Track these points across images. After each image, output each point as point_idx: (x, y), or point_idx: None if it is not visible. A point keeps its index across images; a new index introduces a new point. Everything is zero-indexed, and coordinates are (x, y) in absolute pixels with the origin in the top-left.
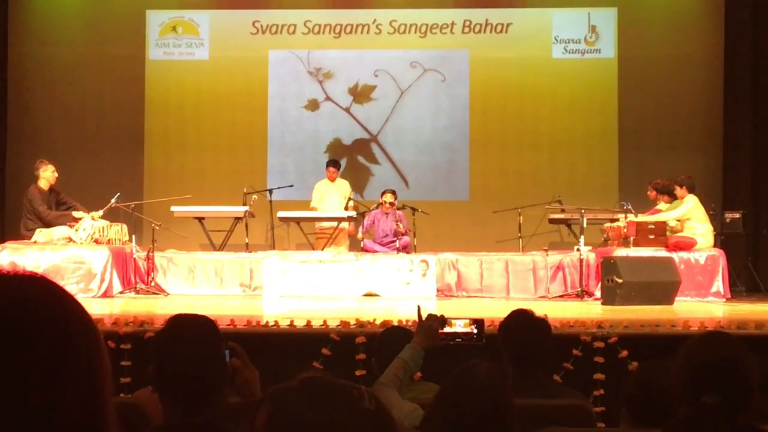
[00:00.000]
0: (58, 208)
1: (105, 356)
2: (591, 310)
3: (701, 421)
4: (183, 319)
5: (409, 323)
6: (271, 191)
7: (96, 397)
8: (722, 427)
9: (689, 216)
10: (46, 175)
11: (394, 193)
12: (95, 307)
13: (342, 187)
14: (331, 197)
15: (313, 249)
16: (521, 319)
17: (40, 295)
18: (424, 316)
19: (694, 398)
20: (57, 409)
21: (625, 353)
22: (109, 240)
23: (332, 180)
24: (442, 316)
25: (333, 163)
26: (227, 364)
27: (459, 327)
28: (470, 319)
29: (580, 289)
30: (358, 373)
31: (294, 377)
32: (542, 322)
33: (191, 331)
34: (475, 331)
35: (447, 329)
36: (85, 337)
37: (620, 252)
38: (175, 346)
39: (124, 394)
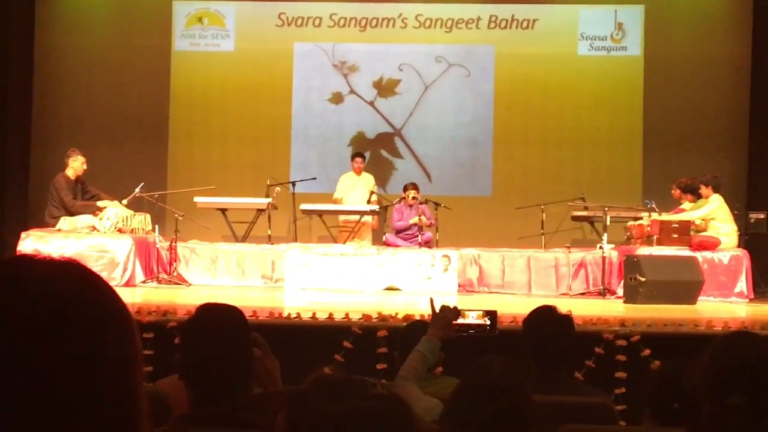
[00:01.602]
0: (83, 197)
1: (138, 343)
2: (613, 308)
3: (726, 421)
4: (211, 308)
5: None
6: (294, 184)
7: (129, 384)
8: (748, 427)
9: (713, 215)
10: (75, 165)
11: (416, 187)
12: None
13: (367, 181)
14: (356, 190)
15: (336, 242)
16: (545, 315)
17: (75, 281)
18: (437, 308)
19: (720, 398)
20: (90, 395)
21: (647, 352)
22: (132, 229)
23: (358, 173)
24: (455, 307)
25: (359, 155)
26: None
27: (472, 318)
28: (483, 310)
29: (602, 287)
30: (379, 366)
31: (314, 370)
32: (566, 319)
33: (218, 320)
34: (488, 322)
35: (461, 320)
36: (119, 323)
37: (643, 250)
38: (203, 335)
39: (146, 383)
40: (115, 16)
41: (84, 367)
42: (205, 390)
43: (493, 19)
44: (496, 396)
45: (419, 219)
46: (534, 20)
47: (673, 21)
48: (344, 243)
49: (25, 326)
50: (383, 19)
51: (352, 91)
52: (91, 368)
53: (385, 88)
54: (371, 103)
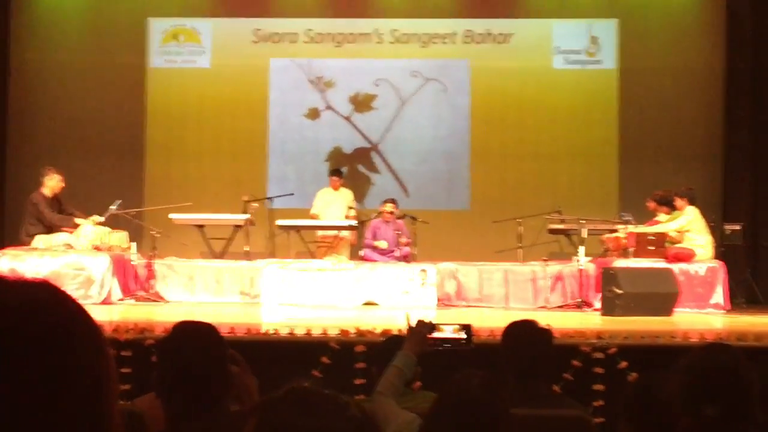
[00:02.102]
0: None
1: (111, 362)
2: (590, 321)
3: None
4: (187, 326)
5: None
6: (271, 199)
7: (102, 404)
8: None
9: (689, 227)
10: (52, 183)
11: (394, 202)
12: (95, 314)
13: (345, 197)
14: (334, 206)
15: (314, 257)
16: (524, 328)
17: (46, 301)
18: (413, 323)
19: (695, 409)
20: (63, 416)
21: (624, 364)
22: (109, 247)
23: (336, 189)
24: (430, 321)
25: (336, 172)
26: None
27: (448, 332)
28: (459, 324)
29: (579, 300)
30: (357, 381)
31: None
32: (545, 332)
33: (195, 338)
34: (464, 336)
35: (436, 334)
36: (91, 343)
37: (620, 263)
38: (180, 352)
39: (124, 402)
40: (91, 33)
41: (55, 387)
42: (181, 408)
43: (468, 33)
44: (474, 410)
45: (387, 243)
46: (509, 34)
47: (646, 34)
48: (322, 258)
49: None
50: (359, 35)
51: (328, 107)
52: (62, 388)
53: (362, 103)
54: (348, 119)
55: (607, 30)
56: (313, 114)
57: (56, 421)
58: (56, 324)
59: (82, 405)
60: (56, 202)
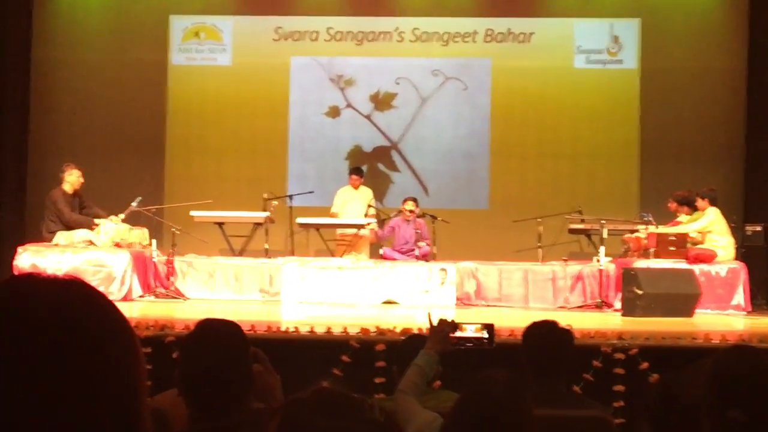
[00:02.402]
0: (81, 212)
1: (142, 360)
2: (611, 321)
3: None
4: (210, 324)
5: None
6: (291, 197)
7: (133, 401)
8: None
9: (710, 228)
10: (71, 179)
11: (415, 200)
12: None
13: (364, 195)
14: (353, 204)
15: (333, 255)
16: (545, 328)
17: (79, 299)
18: (435, 322)
19: (720, 412)
20: (95, 413)
21: (645, 365)
22: (129, 244)
23: (355, 187)
24: (453, 321)
25: (356, 170)
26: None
27: (470, 332)
28: (481, 324)
29: (599, 300)
30: (377, 380)
31: (312, 384)
32: (566, 333)
33: (218, 336)
34: (486, 336)
35: (458, 334)
36: (123, 341)
37: (640, 263)
38: (203, 350)
39: None
40: (112, 31)
41: (89, 385)
42: (204, 405)
43: (490, 32)
44: (497, 410)
45: (417, 234)
46: (530, 33)
47: (668, 34)
48: (341, 256)
49: (30, 346)
50: (380, 33)
51: (348, 105)
52: (96, 386)
53: (382, 101)
54: (368, 117)
55: (628, 29)
56: (334, 112)
57: (90, 418)
58: (89, 322)
59: (115, 402)
60: (76, 198)
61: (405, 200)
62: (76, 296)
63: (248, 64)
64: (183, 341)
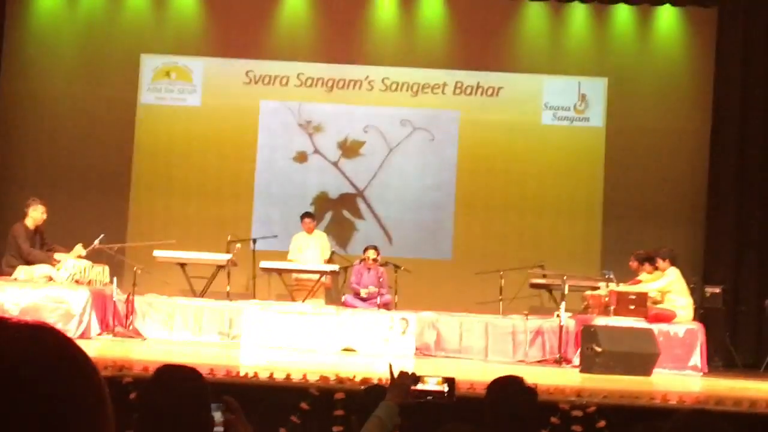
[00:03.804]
0: (41, 248)
1: (109, 409)
2: (569, 378)
3: None
4: (170, 370)
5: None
6: (255, 241)
7: None
8: None
9: (670, 288)
10: (35, 214)
11: (377, 249)
12: None
13: (319, 240)
14: (309, 250)
15: (293, 300)
16: (511, 385)
17: (50, 345)
18: (396, 373)
19: None
20: None
21: (603, 423)
22: (89, 281)
23: (309, 231)
24: (413, 373)
25: (308, 214)
26: (225, 419)
27: (431, 385)
28: (442, 377)
29: (558, 356)
30: (335, 429)
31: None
32: (531, 391)
33: (178, 382)
34: (447, 389)
35: (420, 386)
36: (92, 387)
37: (600, 321)
38: (161, 396)
39: None
40: (83, 66)
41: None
42: None
43: (459, 85)
44: None
45: (369, 290)
46: (499, 88)
47: (635, 94)
48: (303, 301)
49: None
50: (350, 81)
51: (316, 151)
52: None
53: (350, 148)
54: (335, 164)
55: (595, 88)
56: (301, 157)
57: None
58: (58, 367)
59: None
60: (38, 234)
61: (366, 248)
62: (45, 342)
63: (218, 105)
64: (141, 387)
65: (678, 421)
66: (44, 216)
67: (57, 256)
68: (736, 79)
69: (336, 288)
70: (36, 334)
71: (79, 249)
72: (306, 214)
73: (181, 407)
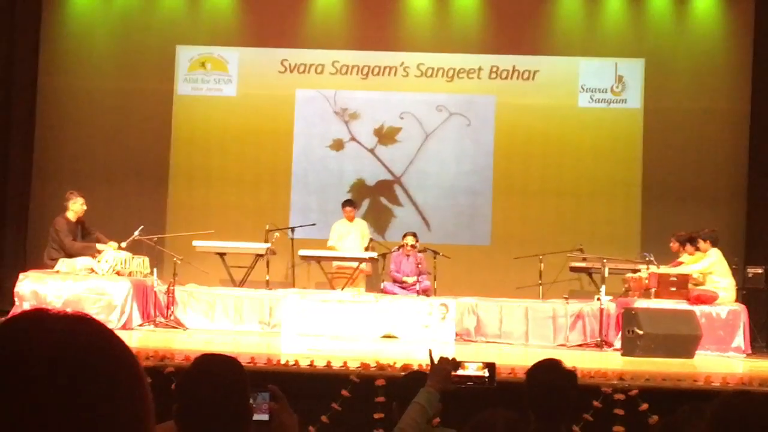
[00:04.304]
0: (84, 238)
1: (149, 398)
2: (611, 361)
3: None
4: (210, 359)
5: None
6: (293, 229)
7: None
8: None
9: (712, 270)
10: (75, 207)
11: (415, 235)
12: None
13: (360, 227)
14: (349, 237)
15: (333, 288)
16: (550, 369)
17: (89, 336)
18: (436, 359)
19: None
20: None
21: (645, 406)
22: (130, 272)
23: (350, 220)
24: (454, 359)
25: (349, 202)
26: (270, 407)
27: (471, 370)
28: (483, 362)
29: (599, 339)
30: (376, 416)
31: (311, 418)
32: (571, 374)
33: (217, 371)
34: (487, 374)
35: (460, 372)
36: (131, 377)
37: (641, 303)
38: (200, 386)
39: None
40: (119, 59)
41: (98, 423)
42: None
43: (495, 69)
44: None
45: (412, 276)
46: (535, 71)
47: (672, 75)
48: (342, 289)
49: (40, 383)
50: (385, 68)
51: (352, 138)
52: (108, 423)
53: (386, 135)
54: (372, 151)
55: (633, 69)
56: (338, 145)
57: None
58: (98, 359)
59: None
60: (79, 225)
61: (405, 235)
62: (84, 333)
63: (253, 95)
64: (181, 376)
65: (722, 402)
66: (84, 207)
67: (99, 246)
68: None
69: (376, 275)
70: (75, 324)
71: (114, 244)
72: (347, 202)
73: (220, 396)
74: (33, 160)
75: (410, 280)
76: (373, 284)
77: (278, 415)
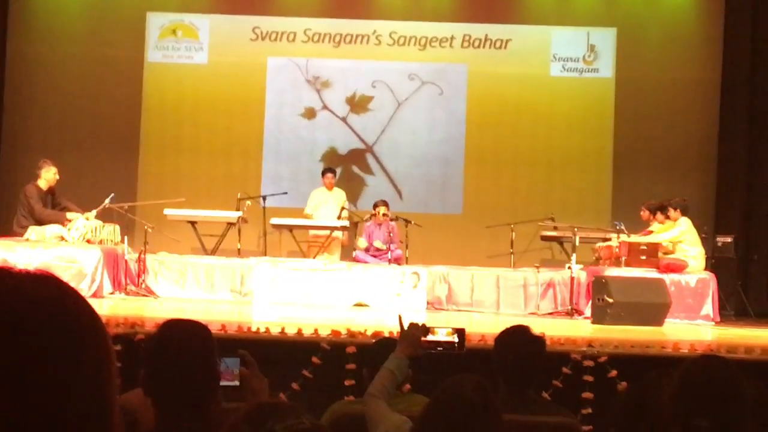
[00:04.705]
0: (54, 208)
1: (113, 357)
2: (581, 329)
3: None
4: (176, 324)
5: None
6: (264, 198)
7: (104, 397)
8: None
9: (681, 238)
10: (48, 176)
11: (386, 204)
12: None
13: (338, 196)
14: (327, 205)
15: (305, 257)
16: (518, 334)
17: (53, 294)
18: (406, 325)
19: (687, 421)
20: (66, 409)
21: (614, 373)
22: (101, 240)
23: (330, 188)
24: (423, 324)
25: (330, 170)
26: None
27: (441, 336)
28: (452, 328)
29: (569, 307)
30: (347, 382)
31: (282, 384)
32: (539, 340)
33: (183, 336)
34: (457, 340)
35: (429, 337)
36: (95, 337)
37: (611, 272)
38: (167, 351)
39: None
40: (89, 26)
41: (61, 380)
42: (169, 406)
43: (467, 38)
44: (466, 414)
45: (384, 244)
46: (507, 40)
47: (644, 44)
48: (314, 257)
49: (1, 340)
50: (357, 36)
51: (324, 107)
52: (68, 382)
53: (358, 104)
54: (344, 119)
55: (605, 39)
56: (310, 114)
57: (61, 413)
58: (62, 317)
59: (86, 398)
60: (50, 194)
61: (376, 204)
62: (48, 291)
63: (225, 63)
64: (147, 341)
65: (689, 364)
66: (57, 177)
67: (70, 215)
68: (746, 28)
69: (352, 244)
70: (39, 283)
71: (88, 215)
72: (328, 170)
73: (187, 361)
74: (1, 128)
75: (378, 244)
76: (348, 253)
77: (248, 380)
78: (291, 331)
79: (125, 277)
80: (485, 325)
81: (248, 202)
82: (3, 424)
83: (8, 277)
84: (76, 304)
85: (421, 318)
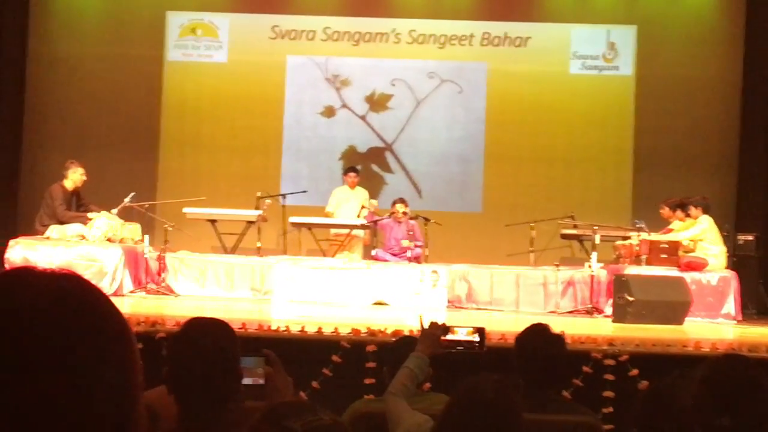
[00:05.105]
0: (77, 209)
1: (137, 355)
2: (602, 327)
3: None
4: (199, 323)
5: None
6: (284, 196)
7: (128, 395)
8: None
9: (702, 237)
10: (74, 177)
11: (405, 202)
12: None
13: (360, 195)
14: (349, 204)
15: (325, 255)
16: (538, 333)
17: (76, 293)
18: (426, 324)
19: (709, 420)
20: (91, 407)
21: (635, 372)
22: (121, 239)
23: (352, 186)
24: (443, 323)
25: (353, 169)
26: (264, 370)
27: (461, 335)
28: (472, 327)
29: (590, 306)
30: (367, 381)
31: (303, 383)
32: (559, 338)
33: (206, 334)
34: (477, 339)
35: (449, 336)
36: (119, 335)
37: (632, 270)
38: (190, 349)
39: None
40: (109, 26)
41: (85, 378)
42: (192, 404)
43: (486, 36)
44: (487, 414)
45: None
46: (526, 38)
47: (665, 42)
48: (334, 256)
49: (27, 339)
50: (376, 34)
51: (344, 105)
52: (93, 379)
53: (377, 102)
54: (363, 118)
55: (625, 36)
56: (329, 112)
57: (86, 410)
58: (86, 315)
59: (110, 395)
60: (75, 195)
61: (395, 202)
62: (72, 289)
63: (244, 62)
64: (170, 340)
65: (711, 364)
66: (84, 178)
67: (91, 215)
68: (766, 26)
69: (373, 242)
70: (63, 282)
71: (107, 213)
72: (351, 169)
73: (209, 359)
74: (23, 128)
75: (405, 243)
76: (369, 252)
77: (273, 379)
78: (311, 329)
79: (145, 276)
80: (505, 323)
81: (268, 201)
82: (28, 423)
83: (31, 276)
84: (99, 303)
85: (441, 316)
